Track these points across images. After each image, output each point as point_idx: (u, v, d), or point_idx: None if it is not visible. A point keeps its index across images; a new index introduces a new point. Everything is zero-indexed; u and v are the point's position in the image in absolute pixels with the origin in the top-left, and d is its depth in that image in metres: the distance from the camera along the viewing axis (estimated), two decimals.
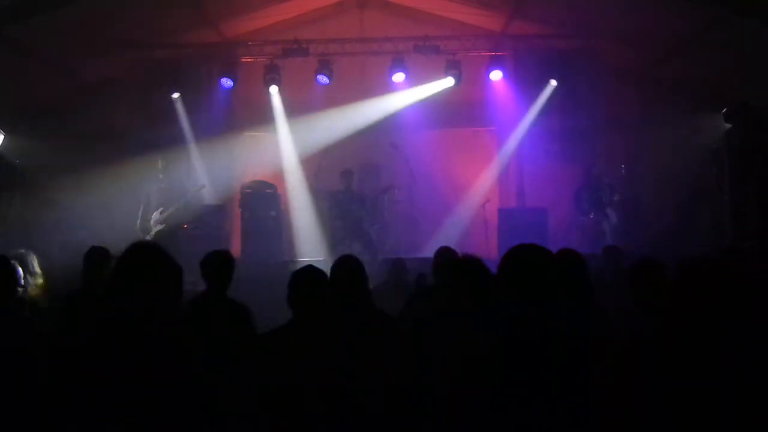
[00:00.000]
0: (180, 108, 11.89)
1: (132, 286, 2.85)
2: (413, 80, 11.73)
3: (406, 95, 12.03)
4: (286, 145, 12.20)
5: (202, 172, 11.81)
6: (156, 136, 11.68)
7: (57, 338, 4.22)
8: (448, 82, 11.74)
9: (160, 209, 9.94)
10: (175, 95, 11.83)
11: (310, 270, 3.85)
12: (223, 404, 2.98)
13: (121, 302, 2.86)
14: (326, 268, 4.21)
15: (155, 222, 9.89)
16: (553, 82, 11.74)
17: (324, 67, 11.51)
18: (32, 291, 5.05)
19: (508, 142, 12.21)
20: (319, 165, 11.42)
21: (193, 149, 11.94)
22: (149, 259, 2.93)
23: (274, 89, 11.79)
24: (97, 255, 4.96)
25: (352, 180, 10.94)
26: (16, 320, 3.95)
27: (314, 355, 3.86)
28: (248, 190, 11.44)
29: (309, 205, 11.58)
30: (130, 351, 2.75)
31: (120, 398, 2.67)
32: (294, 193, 11.90)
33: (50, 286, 5.13)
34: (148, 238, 9.64)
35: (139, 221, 9.98)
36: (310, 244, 11.49)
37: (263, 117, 12.11)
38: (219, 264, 4.78)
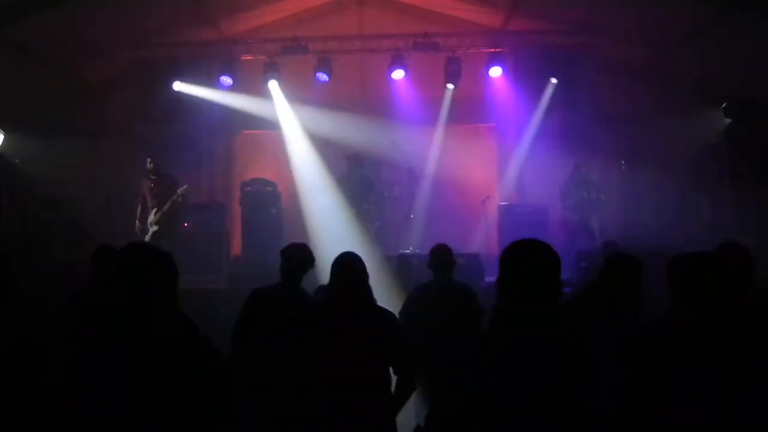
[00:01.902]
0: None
1: (127, 285, 2.86)
2: (413, 77, 11.73)
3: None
4: (289, 138, 12.16)
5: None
6: (156, 134, 11.70)
7: (60, 336, 4.23)
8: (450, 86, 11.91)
9: (154, 210, 9.89)
10: (177, 85, 11.79)
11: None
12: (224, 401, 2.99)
13: (116, 300, 2.87)
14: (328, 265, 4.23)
15: (150, 223, 9.86)
16: (554, 81, 11.75)
17: (323, 64, 11.51)
18: None
19: (512, 141, 12.21)
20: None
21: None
22: (141, 259, 2.95)
23: (273, 84, 11.77)
24: (105, 254, 4.93)
25: (362, 165, 10.84)
26: (20, 318, 3.95)
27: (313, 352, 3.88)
28: (248, 188, 11.43)
29: (313, 201, 11.52)
30: (130, 349, 2.76)
31: (120, 394, 2.69)
32: (299, 188, 11.84)
33: (51, 286, 5.13)
34: (146, 239, 9.62)
35: (137, 222, 9.96)
36: (313, 242, 11.49)
37: (263, 115, 12.09)
38: (295, 257, 4.94)
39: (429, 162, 12.12)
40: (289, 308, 4.62)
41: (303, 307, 4.68)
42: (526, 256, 2.54)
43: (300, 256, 4.95)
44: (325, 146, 11.60)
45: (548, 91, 11.82)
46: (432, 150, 12.19)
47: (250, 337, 4.61)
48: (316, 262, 5.04)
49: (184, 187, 9.85)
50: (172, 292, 3.02)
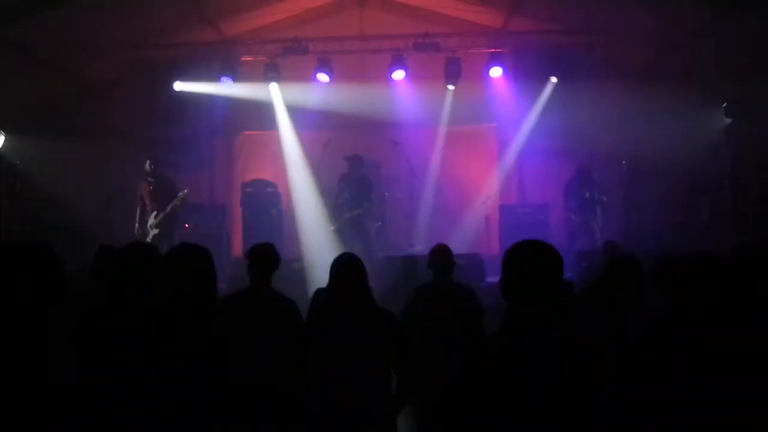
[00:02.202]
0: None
1: (127, 285, 2.87)
2: (413, 78, 11.73)
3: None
4: (287, 142, 12.18)
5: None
6: (157, 135, 11.71)
7: (61, 336, 4.22)
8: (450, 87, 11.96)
9: (154, 213, 9.88)
10: (177, 85, 11.79)
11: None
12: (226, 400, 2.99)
13: (116, 300, 2.87)
14: (326, 267, 4.22)
15: (150, 226, 9.85)
16: (554, 80, 11.74)
17: (324, 65, 11.51)
18: None
19: (512, 142, 12.21)
20: (324, 147, 11.29)
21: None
22: (142, 258, 2.96)
23: (274, 86, 11.77)
24: (107, 254, 4.91)
25: (362, 165, 10.81)
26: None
27: (314, 353, 3.88)
28: (249, 189, 11.44)
29: (311, 203, 11.50)
30: (131, 349, 2.76)
31: (120, 394, 2.69)
32: (296, 191, 11.85)
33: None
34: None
35: (137, 225, 9.95)
36: (312, 243, 11.52)
37: (263, 115, 12.09)
38: (260, 257, 4.73)
39: (430, 162, 12.12)
40: (271, 309, 4.53)
41: (294, 309, 4.60)
42: (529, 258, 2.54)
43: (269, 255, 4.77)
44: (325, 146, 11.52)
45: (547, 89, 11.82)
46: (433, 150, 12.20)
47: (240, 342, 4.52)
48: (316, 264, 5.00)
49: (185, 191, 9.85)
50: (189, 289, 3.00)
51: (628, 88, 11.67)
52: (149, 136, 11.62)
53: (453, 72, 11.59)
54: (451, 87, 11.90)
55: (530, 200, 11.86)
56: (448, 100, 12.09)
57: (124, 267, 3.27)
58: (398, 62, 11.45)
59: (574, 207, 10.79)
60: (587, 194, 10.72)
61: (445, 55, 11.59)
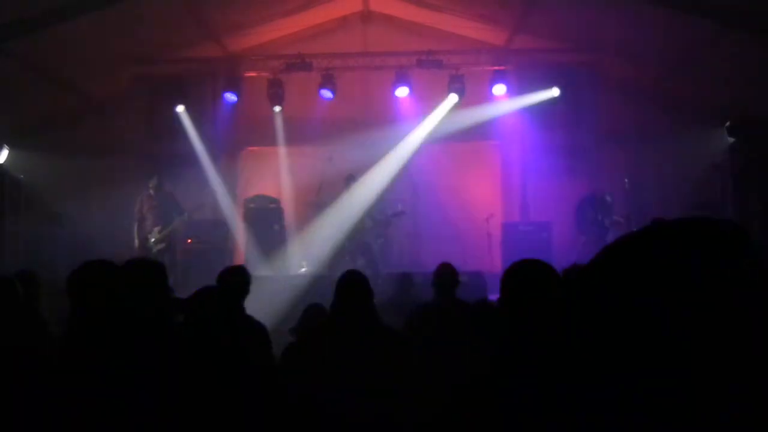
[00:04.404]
0: (186, 120, 11.90)
1: (127, 300, 2.88)
2: (417, 95, 11.76)
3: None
4: (287, 164, 12.26)
5: (215, 186, 11.85)
6: (161, 150, 11.74)
7: (64, 350, 4.22)
8: (452, 99, 11.83)
9: (158, 227, 9.90)
10: (180, 108, 11.84)
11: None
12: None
13: (117, 315, 2.88)
14: (329, 282, 4.23)
15: (155, 241, 9.86)
16: (556, 90, 11.73)
17: (327, 81, 11.54)
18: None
19: (524, 160, 12.21)
20: (321, 184, 11.24)
21: (205, 161, 11.91)
22: (144, 274, 2.97)
23: (277, 109, 11.83)
24: (106, 270, 4.90)
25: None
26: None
27: (318, 371, 3.87)
28: (252, 205, 11.44)
29: (312, 219, 11.49)
30: (128, 364, 2.76)
31: (116, 407, 2.69)
32: (297, 208, 11.87)
33: (56, 302, 5.10)
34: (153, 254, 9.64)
35: (136, 240, 9.96)
36: (314, 259, 11.53)
37: (267, 132, 12.12)
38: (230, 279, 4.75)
39: (433, 179, 12.11)
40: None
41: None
42: (527, 277, 2.54)
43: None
44: (327, 162, 11.50)
45: (544, 93, 11.81)
46: (436, 167, 12.20)
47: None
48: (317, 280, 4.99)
49: (200, 203, 10.06)
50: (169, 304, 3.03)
51: (631, 107, 11.71)
52: (154, 152, 11.67)
53: (456, 89, 11.62)
54: (455, 96, 11.86)
55: (533, 218, 11.83)
56: (451, 117, 12.08)
57: (124, 283, 3.28)
58: (402, 79, 11.49)
59: (584, 228, 10.74)
60: (599, 216, 10.69)
61: (449, 73, 11.62)
